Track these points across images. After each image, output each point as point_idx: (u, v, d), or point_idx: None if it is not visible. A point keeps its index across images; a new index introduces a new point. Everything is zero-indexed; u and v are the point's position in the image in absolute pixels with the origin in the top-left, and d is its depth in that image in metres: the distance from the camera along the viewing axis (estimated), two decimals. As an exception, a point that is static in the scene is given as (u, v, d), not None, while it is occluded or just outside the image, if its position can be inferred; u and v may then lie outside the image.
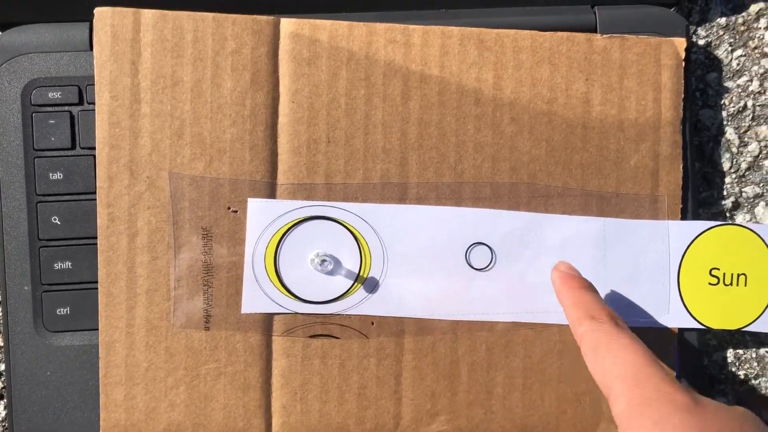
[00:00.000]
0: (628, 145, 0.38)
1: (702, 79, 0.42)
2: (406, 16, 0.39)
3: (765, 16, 0.41)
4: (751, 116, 0.41)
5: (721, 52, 0.42)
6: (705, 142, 0.41)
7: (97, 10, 0.35)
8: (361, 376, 0.37)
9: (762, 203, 0.41)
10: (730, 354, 0.41)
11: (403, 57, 0.37)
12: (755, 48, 0.41)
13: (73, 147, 0.37)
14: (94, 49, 0.35)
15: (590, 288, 0.35)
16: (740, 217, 0.41)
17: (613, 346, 0.30)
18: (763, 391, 0.41)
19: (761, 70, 0.41)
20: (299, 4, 0.38)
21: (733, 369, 0.41)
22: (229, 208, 0.36)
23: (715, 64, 0.42)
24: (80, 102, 0.37)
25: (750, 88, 0.41)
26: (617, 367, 0.29)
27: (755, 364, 0.41)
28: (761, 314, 0.39)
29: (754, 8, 0.42)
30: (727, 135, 0.41)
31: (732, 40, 0.42)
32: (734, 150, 0.41)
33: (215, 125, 0.36)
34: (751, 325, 0.39)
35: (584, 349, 0.31)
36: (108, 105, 0.35)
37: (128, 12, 0.35)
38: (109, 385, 0.36)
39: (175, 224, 0.36)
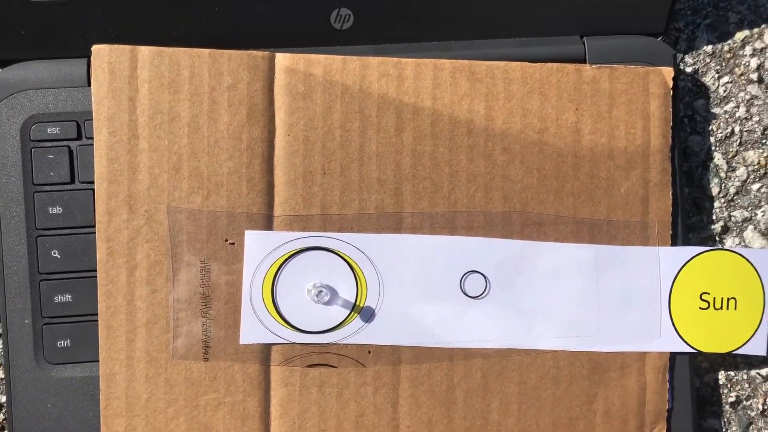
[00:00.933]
0: (618, 173, 0.39)
1: (690, 105, 0.42)
2: (399, 49, 0.39)
3: (750, 44, 0.42)
4: (738, 141, 0.42)
5: (708, 79, 0.42)
6: (694, 167, 0.42)
7: (95, 48, 0.36)
8: (358, 405, 0.38)
9: (750, 227, 0.42)
10: (721, 376, 0.42)
11: (396, 90, 0.38)
12: (741, 75, 0.42)
13: (72, 181, 0.38)
14: (92, 86, 0.36)
15: None
16: (729, 241, 0.42)
17: None
18: (755, 413, 0.42)
19: (747, 96, 0.42)
20: (294, 39, 0.39)
21: (725, 391, 0.42)
22: (226, 240, 0.37)
23: (703, 90, 0.42)
24: (79, 137, 0.38)
25: (737, 114, 0.42)
26: None
27: (746, 385, 0.42)
28: (751, 337, 0.40)
29: (739, 36, 0.42)
30: (716, 160, 0.42)
31: (719, 67, 0.42)
32: (722, 175, 0.42)
33: (212, 159, 0.37)
34: (741, 348, 0.40)
35: None
36: (106, 141, 0.36)
37: (125, 49, 0.36)
38: (110, 417, 0.36)
39: (174, 257, 0.36)
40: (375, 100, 0.38)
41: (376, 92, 0.38)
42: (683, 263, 0.39)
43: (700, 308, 0.39)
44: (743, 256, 0.39)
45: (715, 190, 0.42)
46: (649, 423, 0.40)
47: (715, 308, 0.40)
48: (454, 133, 0.38)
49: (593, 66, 0.39)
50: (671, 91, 0.39)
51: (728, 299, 0.40)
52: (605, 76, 0.39)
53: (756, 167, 0.42)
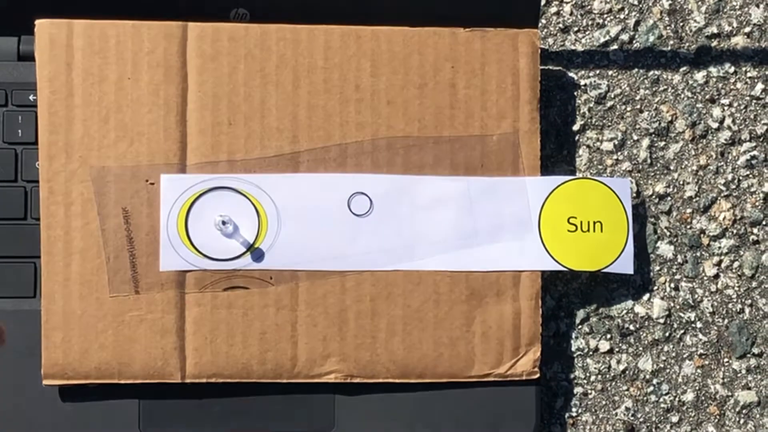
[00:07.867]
0: (491, 122, 0.45)
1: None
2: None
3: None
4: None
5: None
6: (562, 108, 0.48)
7: (38, 22, 0.43)
8: (262, 324, 0.44)
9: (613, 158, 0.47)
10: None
11: (292, 51, 0.44)
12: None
13: (-3, 141, 0.45)
14: (36, 53, 0.43)
15: None
16: (593, 171, 0.47)
17: None
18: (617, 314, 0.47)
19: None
20: (204, 11, 0.45)
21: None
22: (147, 181, 0.43)
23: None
24: (6, 104, 0.45)
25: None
26: None
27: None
28: (619, 256, 0.44)
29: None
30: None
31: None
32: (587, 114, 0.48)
33: (135, 113, 0.43)
34: (610, 266, 0.44)
35: None
36: (48, 98, 0.43)
37: (63, 23, 0.43)
38: (49, 330, 0.43)
39: (101, 195, 0.43)
40: (274, 61, 0.44)
41: (275, 53, 0.44)
42: (550, 191, 0.44)
43: (569, 231, 0.44)
44: (605, 184, 0.44)
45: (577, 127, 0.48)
46: (524, 345, 0.44)
47: (582, 230, 0.44)
48: (344, 88, 0.44)
49: (467, 30, 0.45)
50: (539, 50, 0.45)
51: (594, 222, 0.44)
52: (477, 38, 0.45)
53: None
